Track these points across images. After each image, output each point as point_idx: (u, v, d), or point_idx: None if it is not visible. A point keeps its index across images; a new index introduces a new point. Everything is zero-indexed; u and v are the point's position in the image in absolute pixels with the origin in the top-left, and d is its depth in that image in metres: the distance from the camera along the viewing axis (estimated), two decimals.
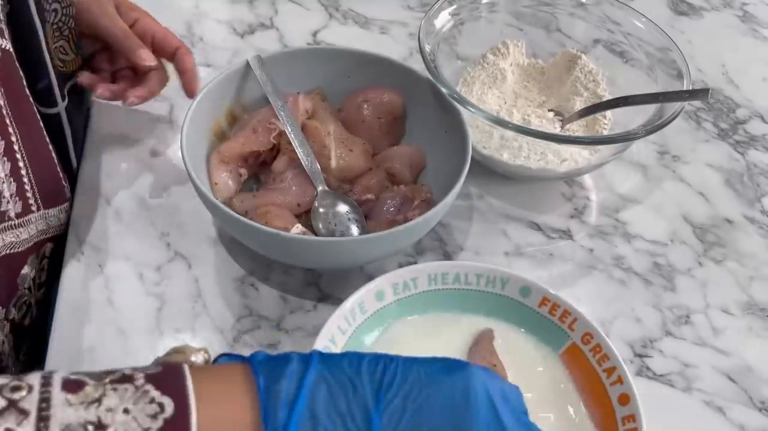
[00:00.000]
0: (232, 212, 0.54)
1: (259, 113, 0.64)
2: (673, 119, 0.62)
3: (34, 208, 0.56)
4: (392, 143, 0.67)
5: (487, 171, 0.69)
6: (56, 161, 0.60)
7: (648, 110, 0.66)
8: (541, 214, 0.68)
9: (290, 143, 0.62)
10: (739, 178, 0.74)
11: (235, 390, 0.34)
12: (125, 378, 0.33)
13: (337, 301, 0.59)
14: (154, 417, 0.31)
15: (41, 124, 0.57)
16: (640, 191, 0.72)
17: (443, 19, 0.72)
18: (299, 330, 0.57)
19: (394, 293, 0.54)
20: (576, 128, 0.71)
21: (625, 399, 0.48)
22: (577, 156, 0.66)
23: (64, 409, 0.31)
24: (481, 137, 0.67)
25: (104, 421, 0.31)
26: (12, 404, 0.31)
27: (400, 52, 0.81)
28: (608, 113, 0.71)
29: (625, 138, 0.62)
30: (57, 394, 0.31)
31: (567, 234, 0.66)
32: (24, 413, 0.30)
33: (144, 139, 0.70)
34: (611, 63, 0.74)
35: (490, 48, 0.76)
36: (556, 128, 0.70)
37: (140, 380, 0.33)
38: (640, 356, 0.58)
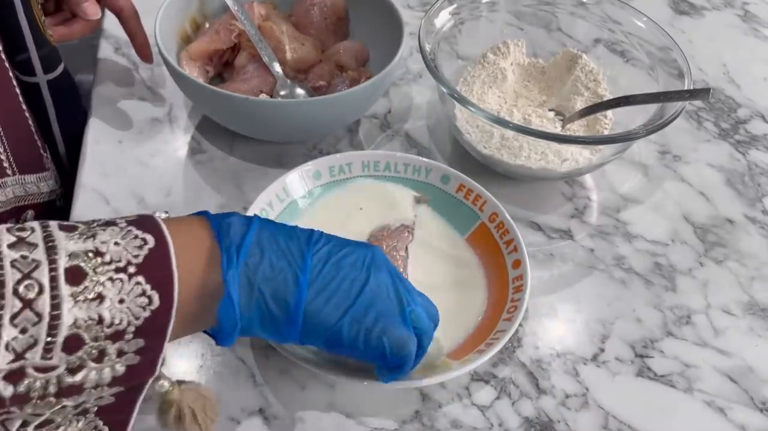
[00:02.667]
0: (204, 83, 0.63)
1: (220, 18, 0.75)
2: (674, 118, 0.62)
3: (9, 172, 0.58)
4: (338, 41, 0.76)
5: (488, 171, 0.68)
6: (33, 128, 0.61)
7: (649, 110, 0.66)
8: (541, 214, 0.68)
9: (249, 41, 0.72)
10: (740, 178, 0.74)
11: (194, 226, 0.43)
12: (109, 223, 0.40)
13: None
14: (140, 247, 0.38)
15: (18, 90, 0.59)
16: (641, 191, 0.71)
17: (443, 19, 0.71)
18: None
19: (330, 174, 0.63)
20: (577, 128, 0.71)
21: (517, 263, 0.58)
22: (577, 156, 0.66)
23: (66, 241, 0.37)
24: (482, 137, 0.67)
25: (101, 250, 0.37)
26: (21, 239, 0.36)
27: (401, 51, 0.81)
28: (609, 112, 0.71)
29: (626, 138, 0.62)
30: (57, 232, 0.37)
31: (567, 234, 0.66)
32: (32, 245, 0.36)
33: (144, 139, 0.70)
34: (612, 63, 0.74)
35: (490, 47, 0.75)
36: (556, 128, 0.70)
37: (122, 223, 0.40)
38: (641, 356, 0.58)
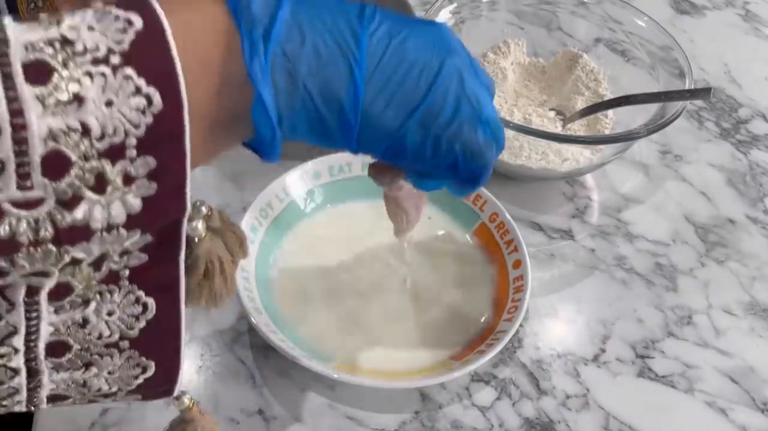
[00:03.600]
0: None
1: None
2: (675, 118, 0.62)
3: None
4: None
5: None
6: None
7: (650, 110, 0.66)
8: (542, 214, 0.67)
9: None
10: (741, 178, 0.74)
11: (202, 3, 0.31)
12: (81, 10, 0.29)
13: None
14: (123, 31, 0.28)
15: None
16: (642, 190, 0.71)
17: (443, 18, 0.71)
18: None
19: (330, 174, 0.62)
20: (577, 128, 0.71)
21: (518, 263, 0.57)
22: (578, 156, 0.66)
23: (21, 32, 0.27)
24: None
25: (69, 37, 0.27)
26: None
27: None
28: (610, 112, 0.70)
29: (627, 137, 0.62)
30: (9, 23, 0.27)
31: (568, 234, 0.66)
32: None
33: None
34: (613, 62, 0.74)
35: (490, 47, 0.75)
36: (557, 128, 0.70)
37: (98, 3, 0.29)
38: (642, 357, 0.58)
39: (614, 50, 0.74)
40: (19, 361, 0.29)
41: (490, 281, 0.59)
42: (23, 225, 0.26)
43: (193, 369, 0.54)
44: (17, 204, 0.26)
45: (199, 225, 0.33)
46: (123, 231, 0.28)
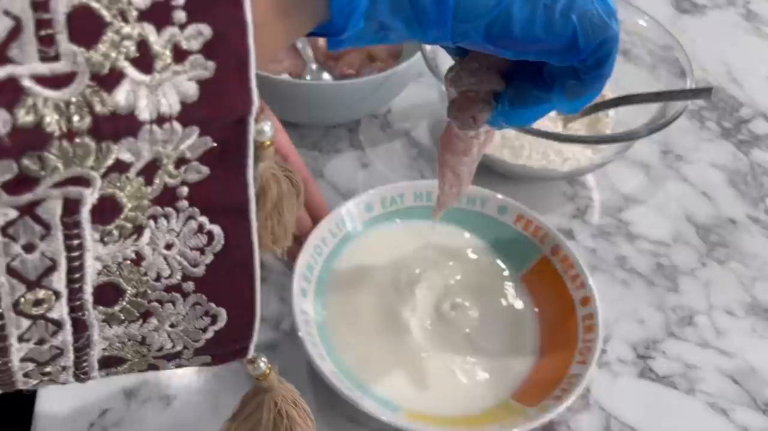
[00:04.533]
0: None
1: None
2: (676, 117, 0.62)
3: None
4: None
5: (488, 171, 0.68)
6: None
7: (651, 109, 0.65)
8: (542, 214, 0.67)
9: None
10: (742, 178, 0.73)
11: None
12: None
13: None
14: None
15: None
16: (643, 190, 0.71)
17: None
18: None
19: (382, 206, 0.60)
20: (578, 127, 0.70)
21: (586, 301, 0.55)
22: (579, 155, 0.65)
23: None
24: None
25: None
26: None
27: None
28: (611, 111, 0.70)
29: (628, 137, 0.62)
30: None
31: (569, 234, 0.66)
32: None
33: None
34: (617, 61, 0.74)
35: None
36: (557, 127, 0.70)
37: None
38: (643, 357, 0.58)
39: None
40: (61, 310, 0.23)
41: (540, 319, 0.57)
42: (51, 110, 0.20)
43: (192, 370, 0.53)
44: (41, 81, 0.20)
45: (267, 128, 0.27)
46: (177, 126, 0.22)
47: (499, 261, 0.60)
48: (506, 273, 0.59)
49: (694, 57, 0.84)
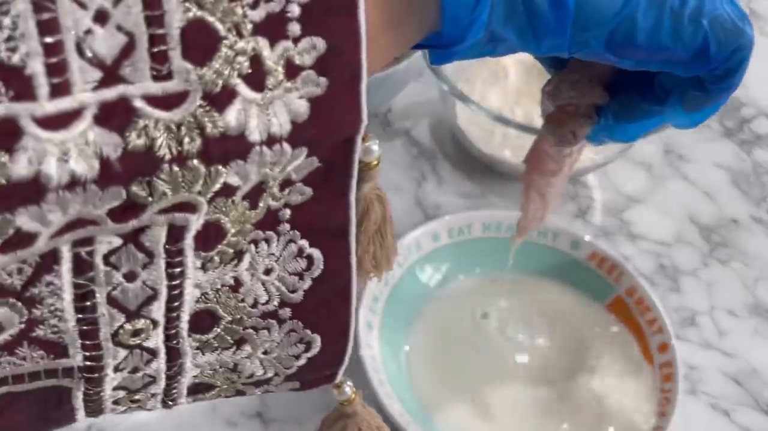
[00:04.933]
0: None
1: None
2: None
3: None
4: None
5: (490, 171, 0.68)
6: None
7: None
8: None
9: None
10: (745, 177, 0.73)
11: None
12: None
13: None
14: None
15: None
16: (645, 190, 0.71)
17: None
18: None
19: (449, 236, 0.57)
20: None
21: (664, 347, 0.52)
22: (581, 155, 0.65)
23: None
24: (483, 136, 0.66)
25: None
26: None
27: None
28: None
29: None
30: None
31: None
32: None
33: None
34: None
35: None
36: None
37: None
38: None
39: None
40: (157, 339, 0.23)
41: (627, 363, 0.54)
42: (162, 132, 0.19)
43: None
44: (153, 101, 0.19)
45: (375, 146, 0.25)
46: (287, 147, 0.21)
47: (575, 298, 0.57)
48: (587, 304, 0.56)
49: None
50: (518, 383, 0.53)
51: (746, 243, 0.67)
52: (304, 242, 0.23)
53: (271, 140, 0.21)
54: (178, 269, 0.21)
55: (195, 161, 0.20)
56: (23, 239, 0.19)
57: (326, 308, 0.25)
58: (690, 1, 0.27)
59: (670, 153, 0.75)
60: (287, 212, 0.23)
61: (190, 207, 0.20)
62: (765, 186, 0.72)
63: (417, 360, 0.54)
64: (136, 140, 0.19)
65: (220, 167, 0.20)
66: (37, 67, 0.18)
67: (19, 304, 0.20)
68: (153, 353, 0.23)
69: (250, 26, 0.19)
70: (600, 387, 0.53)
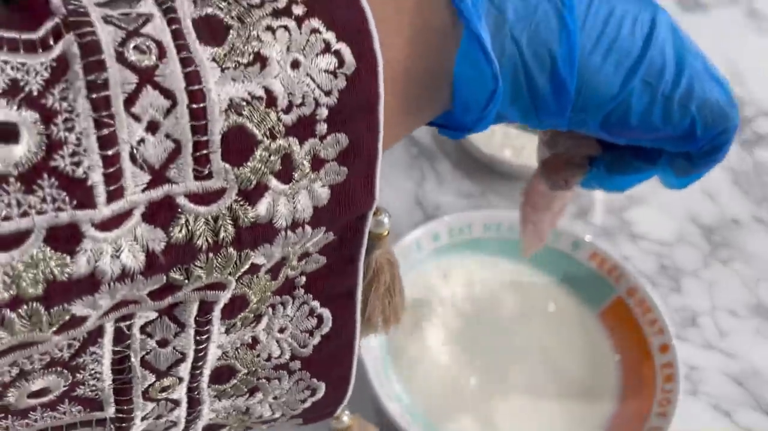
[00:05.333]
0: None
1: None
2: None
3: None
4: None
5: (490, 171, 0.68)
6: None
7: None
8: None
9: None
10: (746, 177, 0.73)
11: None
12: None
13: None
14: None
15: None
16: (646, 190, 0.70)
17: None
18: None
19: (449, 236, 0.57)
20: None
21: (665, 348, 0.52)
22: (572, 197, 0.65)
23: None
24: (483, 136, 0.66)
25: None
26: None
27: None
28: None
29: None
30: None
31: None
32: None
33: None
34: None
35: None
36: None
37: None
38: None
39: None
40: (181, 392, 0.25)
41: (622, 365, 0.54)
42: (201, 225, 0.21)
43: None
44: (194, 198, 0.21)
45: (386, 220, 0.28)
46: (308, 229, 0.23)
47: (575, 299, 0.57)
48: (583, 311, 0.56)
49: None
50: (518, 385, 0.53)
51: (747, 243, 0.67)
52: (315, 303, 0.26)
53: (294, 225, 0.23)
54: (205, 336, 0.24)
55: (229, 249, 0.22)
56: (76, 322, 0.21)
57: (332, 360, 0.27)
58: (681, 86, 0.29)
59: None
60: (303, 279, 0.25)
61: (220, 286, 0.23)
62: (766, 186, 0.72)
63: (416, 360, 0.53)
64: (177, 234, 0.21)
65: (249, 251, 0.22)
66: (96, 178, 0.20)
67: (66, 371, 0.22)
68: (176, 403, 0.25)
69: (283, 129, 0.22)
70: (600, 387, 0.53)
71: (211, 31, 0.21)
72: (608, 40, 0.28)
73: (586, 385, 0.53)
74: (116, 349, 0.23)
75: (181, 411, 0.26)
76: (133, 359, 0.23)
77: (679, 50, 0.29)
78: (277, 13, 0.22)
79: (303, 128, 0.22)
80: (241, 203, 0.22)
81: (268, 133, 0.22)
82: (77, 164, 0.19)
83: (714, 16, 0.92)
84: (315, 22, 0.22)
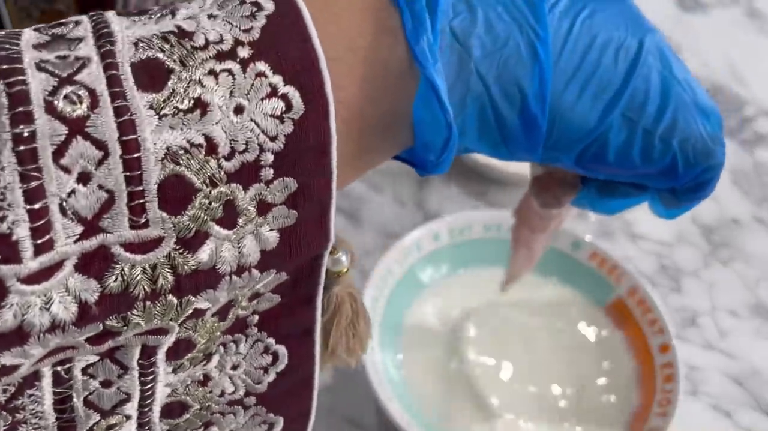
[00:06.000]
0: None
1: None
2: None
3: None
4: None
5: (486, 176, 0.68)
6: None
7: None
8: None
9: None
10: (746, 177, 0.73)
11: None
12: None
13: None
14: (251, 16, 0.22)
15: None
16: None
17: None
18: None
19: (450, 236, 0.57)
20: None
21: (665, 348, 0.52)
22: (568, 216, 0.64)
23: (128, 25, 0.22)
24: None
25: (187, 29, 0.22)
26: (57, 37, 0.21)
27: None
28: None
29: None
30: (112, 17, 0.22)
31: None
32: (75, 40, 0.21)
33: None
34: None
35: None
36: None
37: None
38: None
39: None
40: (130, 428, 0.24)
41: (628, 366, 0.54)
42: (137, 274, 0.21)
43: None
44: (129, 247, 0.21)
45: (344, 258, 0.27)
46: (255, 272, 0.23)
47: (578, 298, 0.56)
48: (587, 310, 0.56)
49: (697, 55, 0.84)
50: (517, 387, 0.53)
51: (747, 243, 0.67)
52: (270, 341, 0.25)
53: (240, 269, 0.22)
54: (150, 377, 0.23)
55: (168, 296, 0.21)
56: (7, 370, 0.21)
57: (289, 396, 0.27)
58: (664, 120, 0.27)
59: None
60: (255, 318, 0.24)
61: (162, 331, 0.22)
62: (766, 186, 0.72)
63: (414, 361, 0.53)
64: (112, 283, 0.21)
65: (191, 297, 0.22)
66: (22, 232, 0.19)
67: (5, 412, 0.22)
68: None
69: (224, 176, 0.21)
70: (601, 388, 0.53)
71: (151, 76, 0.21)
72: (586, 73, 0.26)
73: (609, 386, 0.53)
74: (57, 390, 0.22)
75: None
76: (75, 399, 0.23)
77: (666, 79, 0.27)
78: (221, 57, 0.21)
79: (247, 174, 0.22)
80: (181, 250, 0.21)
81: (207, 181, 0.21)
82: (1, 218, 0.19)
83: (714, 16, 0.92)
84: (261, 65, 0.22)
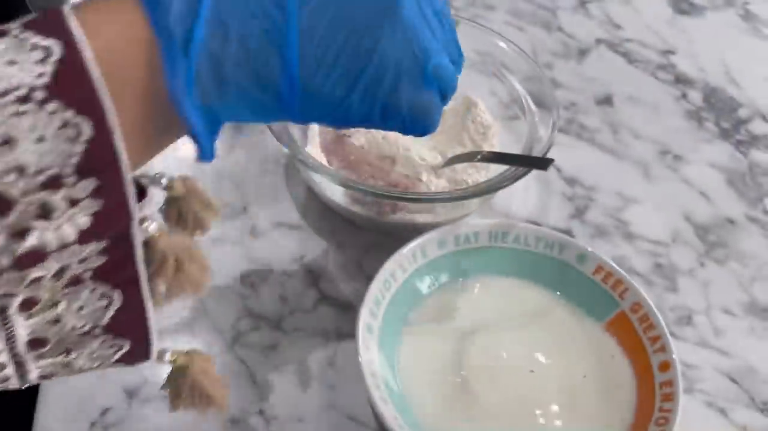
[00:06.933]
0: None
1: None
2: (514, 181, 0.59)
3: None
4: None
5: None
6: None
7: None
8: (540, 215, 0.67)
9: None
10: (741, 178, 0.74)
11: (123, 12, 0.31)
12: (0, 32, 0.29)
13: (336, 302, 0.59)
14: (42, 61, 0.28)
15: None
16: (642, 190, 0.71)
17: None
18: (299, 330, 0.57)
19: (455, 244, 0.57)
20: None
21: (665, 366, 0.51)
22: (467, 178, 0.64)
23: None
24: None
25: None
26: None
27: None
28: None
29: (459, 197, 0.59)
30: None
31: (568, 234, 0.66)
32: None
33: None
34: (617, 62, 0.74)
35: None
36: (436, 160, 0.66)
37: (17, 30, 0.29)
38: None
39: (617, 52, 0.74)
40: (4, 358, 0.31)
41: (627, 383, 0.53)
42: None
43: None
44: None
45: (151, 227, 0.34)
46: (76, 246, 0.30)
47: (579, 313, 0.56)
48: (587, 325, 0.55)
49: (692, 57, 0.84)
50: (517, 392, 0.52)
51: (742, 243, 0.67)
52: (106, 288, 0.32)
53: (64, 246, 0.29)
54: (8, 324, 0.30)
55: (9, 272, 0.29)
56: None
57: (129, 324, 0.33)
58: (394, 94, 0.35)
59: (667, 154, 0.75)
60: (89, 273, 0.31)
61: (10, 295, 0.30)
62: (761, 187, 0.73)
63: (411, 364, 0.53)
64: None
65: (28, 270, 0.29)
66: None
67: None
68: (3, 365, 0.32)
69: (36, 186, 0.28)
70: (597, 403, 0.52)
71: None
72: (330, 60, 0.33)
73: (604, 399, 0.52)
74: None
75: (10, 370, 0.32)
76: None
77: (401, 54, 0.34)
78: (21, 100, 0.27)
79: (54, 183, 0.28)
80: (13, 241, 0.28)
81: (23, 193, 0.28)
82: None
83: (709, 19, 0.93)
84: (54, 105, 0.28)
